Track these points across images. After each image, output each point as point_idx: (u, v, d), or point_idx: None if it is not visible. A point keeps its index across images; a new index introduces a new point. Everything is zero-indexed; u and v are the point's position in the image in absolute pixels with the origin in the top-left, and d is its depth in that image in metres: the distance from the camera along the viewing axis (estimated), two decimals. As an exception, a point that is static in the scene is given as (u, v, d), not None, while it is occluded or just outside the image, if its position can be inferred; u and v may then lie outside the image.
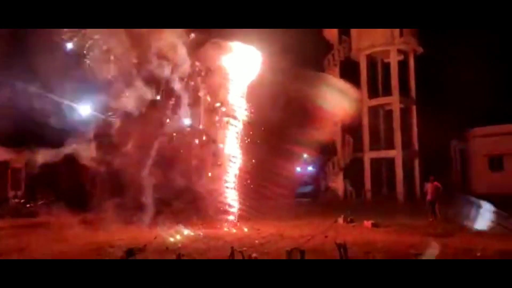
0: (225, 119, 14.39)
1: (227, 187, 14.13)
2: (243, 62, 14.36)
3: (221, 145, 14.37)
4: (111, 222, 13.44)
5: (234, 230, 13.84)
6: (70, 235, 12.10)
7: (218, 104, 14.48)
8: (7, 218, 16.75)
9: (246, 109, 14.47)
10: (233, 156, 14.25)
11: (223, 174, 14.20)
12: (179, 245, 10.92)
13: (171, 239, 12.03)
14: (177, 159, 14.47)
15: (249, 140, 15.39)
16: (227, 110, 14.49)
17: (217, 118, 14.53)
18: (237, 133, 14.50)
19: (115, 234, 12.55)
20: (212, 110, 14.62)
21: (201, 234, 12.90)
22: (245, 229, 13.87)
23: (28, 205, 18.82)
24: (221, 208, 14.22)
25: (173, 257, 8.55)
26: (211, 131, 14.78)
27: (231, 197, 14.22)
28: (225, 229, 13.91)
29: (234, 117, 14.36)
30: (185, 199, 14.31)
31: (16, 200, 19.46)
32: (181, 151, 14.75)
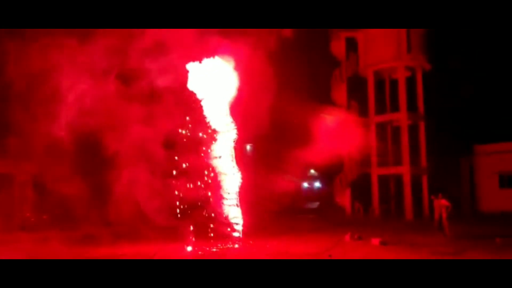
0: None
1: (229, 204, 13.82)
2: (223, 78, 13.74)
3: (221, 162, 13.95)
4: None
5: (237, 246, 13.55)
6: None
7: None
8: None
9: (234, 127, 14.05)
10: (233, 173, 13.87)
11: (226, 191, 13.90)
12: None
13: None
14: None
15: (247, 156, 15.08)
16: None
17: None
18: (233, 149, 14.08)
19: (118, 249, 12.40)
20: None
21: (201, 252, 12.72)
22: (248, 245, 13.57)
23: None
24: (226, 225, 13.92)
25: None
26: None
27: (235, 214, 13.92)
28: (229, 245, 13.62)
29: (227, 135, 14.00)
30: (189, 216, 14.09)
31: None
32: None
